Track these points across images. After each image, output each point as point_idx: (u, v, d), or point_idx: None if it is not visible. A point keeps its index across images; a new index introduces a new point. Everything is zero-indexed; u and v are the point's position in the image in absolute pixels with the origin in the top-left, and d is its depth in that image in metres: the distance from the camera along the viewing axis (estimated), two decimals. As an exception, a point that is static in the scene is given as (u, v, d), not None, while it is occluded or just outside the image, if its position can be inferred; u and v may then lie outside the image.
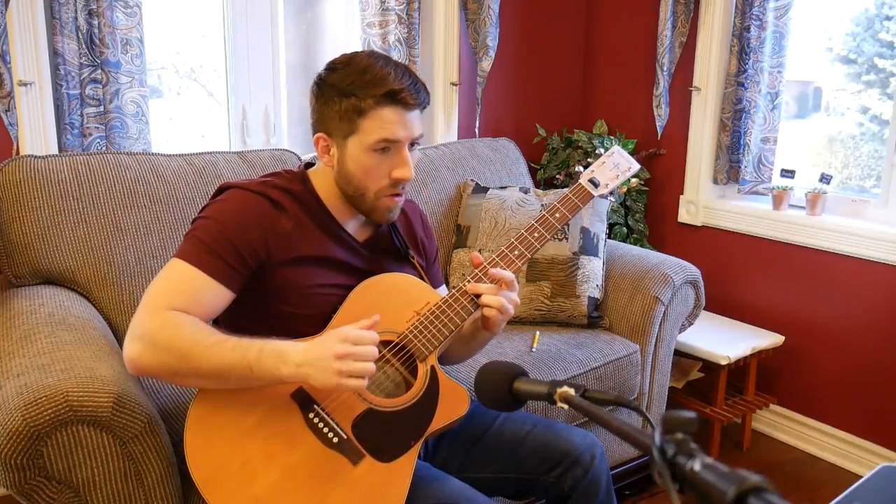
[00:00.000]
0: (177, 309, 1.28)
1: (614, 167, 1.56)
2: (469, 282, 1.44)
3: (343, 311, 1.41)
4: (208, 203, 1.42)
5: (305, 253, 1.41)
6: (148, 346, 1.25)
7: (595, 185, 1.53)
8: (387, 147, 1.37)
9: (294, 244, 1.40)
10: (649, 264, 2.30)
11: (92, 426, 1.30)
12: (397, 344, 1.41)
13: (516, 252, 1.46)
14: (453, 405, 1.41)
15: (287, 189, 1.43)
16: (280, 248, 1.38)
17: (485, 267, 1.45)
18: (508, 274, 1.43)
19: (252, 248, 1.35)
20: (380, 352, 1.39)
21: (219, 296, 1.33)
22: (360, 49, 2.59)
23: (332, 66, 1.40)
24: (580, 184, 1.53)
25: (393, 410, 1.36)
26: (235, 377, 1.26)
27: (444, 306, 1.42)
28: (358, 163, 1.38)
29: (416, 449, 1.37)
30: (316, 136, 1.42)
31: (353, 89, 1.34)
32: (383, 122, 1.35)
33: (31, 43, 2.04)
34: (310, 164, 1.52)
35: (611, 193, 1.59)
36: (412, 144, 1.41)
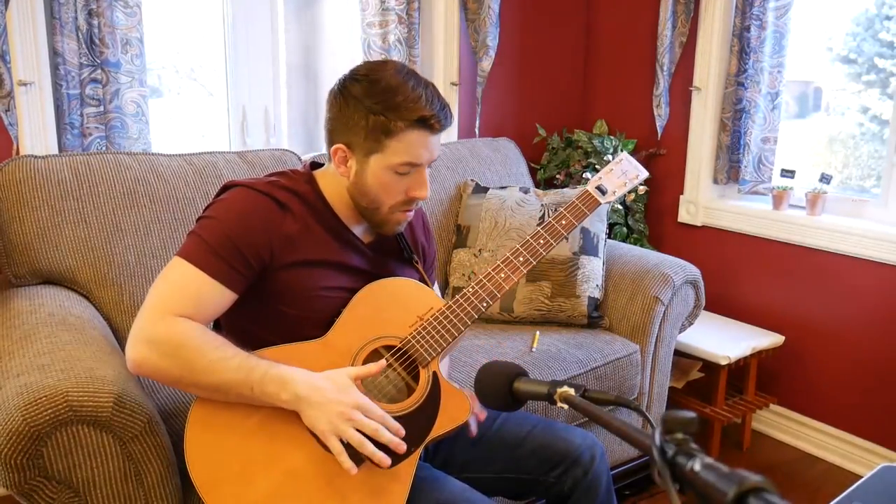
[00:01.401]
0: (182, 314, 1.28)
1: (622, 174, 1.55)
2: (474, 288, 1.44)
3: (346, 315, 1.41)
4: (213, 201, 1.41)
5: (310, 256, 1.40)
6: (153, 351, 1.25)
7: (602, 192, 1.53)
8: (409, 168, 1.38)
9: (298, 247, 1.39)
10: (649, 264, 2.30)
11: (92, 426, 1.30)
12: (400, 349, 1.40)
13: (521, 258, 1.46)
14: (454, 411, 1.41)
15: (293, 190, 1.42)
16: (284, 251, 1.37)
17: (489, 273, 1.45)
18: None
19: (256, 250, 1.34)
20: (382, 357, 1.39)
21: (222, 298, 1.33)
22: (360, 49, 2.62)
23: (356, 78, 1.37)
24: (587, 191, 1.52)
25: (395, 415, 1.36)
26: (235, 395, 1.28)
27: (447, 312, 1.42)
28: (378, 180, 1.38)
29: (417, 454, 1.36)
30: (334, 147, 1.39)
31: (382, 110, 1.32)
32: (410, 145, 1.35)
33: (31, 43, 2.04)
34: (315, 164, 1.52)
35: (617, 200, 1.60)
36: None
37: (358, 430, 1.25)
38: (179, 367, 1.25)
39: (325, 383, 1.28)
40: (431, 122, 1.34)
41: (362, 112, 1.34)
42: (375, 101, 1.33)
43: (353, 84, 1.37)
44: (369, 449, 1.25)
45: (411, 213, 1.45)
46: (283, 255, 1.37)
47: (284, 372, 1.28)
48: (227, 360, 1.26)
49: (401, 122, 1.32)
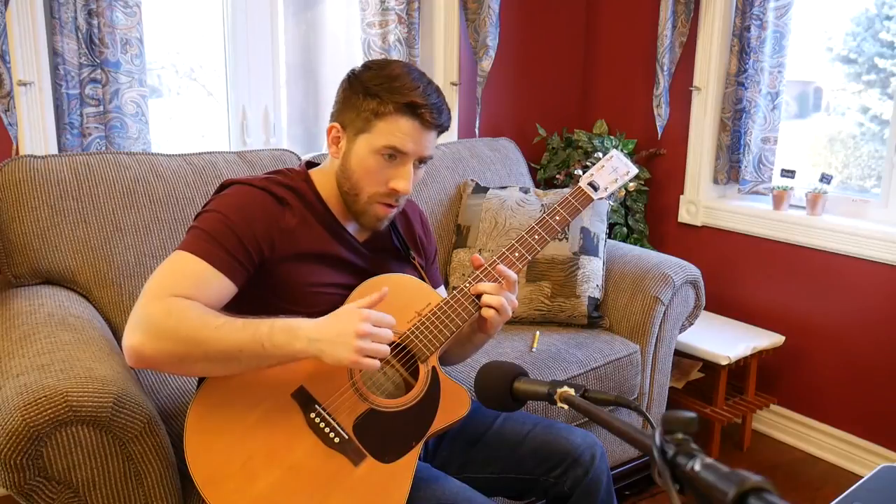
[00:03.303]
0: (180, 296, 1.26)
1: (613, 171, 1.58)
2: (470, 283, 1.44)
3: None
4: (212, 198, 1.41)
5: (308, 249, 1.41)
6: (152, 334, 1.21)
7: (595, 188, 1.55)
8: (393, 155, 1.37)
9: (297, 240, 1.40)
10: (649, 264, 2.30)
11: (91, 426, 1.30)
12: (398, 344, 1.40)
13: (516, 254, 1.47)
14: (454, 406, 1.41)
15: (290, 186, 1.43)
16: (283, 244, 1.38)
17: (485, 269, 1.45)
18: (512, 274, 1.44)
19: (256, 241, 1.34)
20: None
21: (222, 287, 1.31)
22: (359, 49, 2.62)
23: (368, 66, 1.43)
24: (580, 187, 1.54)
25: (394, 411, 1.36)
26: (247, 356, 1.24)
27: (445, 307, 1.42)
28: (361, 162, 1.39)
29: (418, 450, 1.36)
30: (330, 125, 1.44)
31: (378, 91, 1.36)
32: (397, 129, 1.36)
33: (31, 43, 2.04)
34: (311, 164, 1.52)
35: (610, 197, 1.61)
36: (420, 162, 1.42)
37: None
38: (184, 343, 1.21)
39: (327, 318, 1.26)
40: (421, 110, 1.35)
41: (361, 92, 1.38)
42: (376, 83, 1.37)
43: (363, 71, 1.42)
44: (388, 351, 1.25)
45: (391, 210, 1.44)
46: (283, 248, 1.38)
47: (291, 322, 1.25)
48: (231, 323, 1.23)
49: (391, 105, 1.35)
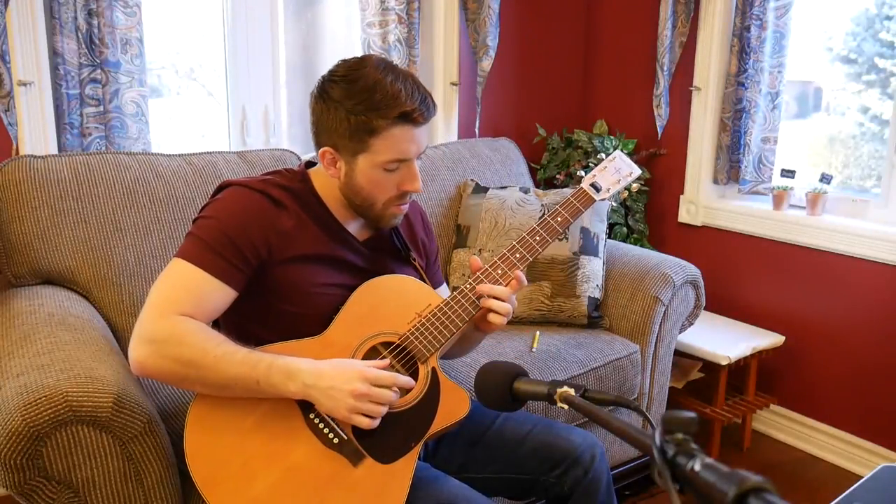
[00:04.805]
0: (183, 312, 1.28)
1: (616, 172, 1.56)
2: (471, 284, 1.43)
3: (344, 312, 1.41)
4: (209, 201, 1.42)
5: (306, 252, 1.41)
6: (155, 351, 1.26)
7: (597, 189, 1.53)
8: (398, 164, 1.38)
9: (295, 243, 1.40)
10: (649, 264, 2.30)
11: (91, 426, 1.30)
12: (398, 345, 1.40)
13: (517, 255, 1.46)
14: (454, 407, 1.41)
15: (288, 188, 1.43)
16: (281, 247, 1.38)
17: (486, 270, 1.45)
18: (524, 279, 1.47)
19: (253, 245, 1.35)
20: (380, 354, 1.39)
21: (222, 295, 1.33)
22: (359, 49, 2.62)
23: (334, 79, 1.36)
24: (582, 188, 1.53)
25: (394, 411, 1.36)
26: (241, 389, 1.28)
27: (445, 308, 1.42)
28: (368, 178, 1.38)
29: (417, 451, 1.36)
30: (322, 150, 1.40)
31: (363, 109, 1.32)
32: (395, 141, 1.35)
33: (31, 43, 2.04)
34: (310, 164, 1.52)
35: (612, 197, 1.60)
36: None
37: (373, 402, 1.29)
38: (184, 365, 1.26)
39: (328, 367, 1.29)
40: (414, 115, 1.34)
41: (343, 114, 1.34)
42: (355, 101, 1.32)
43: (332, 86, 1.36)
44: (386, 409, 1.30)
45: (405, 207, 1.46)
46: (280, 251, 1.38)
47: (290, 362, 1.29)
48: (231, 355, 1.27)
49: (382, 121, 1.32)
